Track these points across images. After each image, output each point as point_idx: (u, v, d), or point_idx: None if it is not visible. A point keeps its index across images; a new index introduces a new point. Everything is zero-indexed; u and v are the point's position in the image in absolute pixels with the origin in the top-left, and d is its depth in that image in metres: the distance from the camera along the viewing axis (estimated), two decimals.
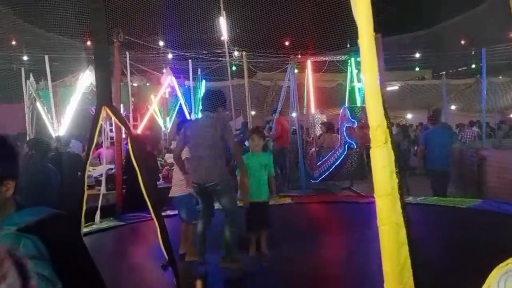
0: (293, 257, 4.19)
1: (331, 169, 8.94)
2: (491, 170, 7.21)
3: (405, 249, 1.65)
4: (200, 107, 9.83)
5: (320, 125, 13.02)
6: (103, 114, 2.53)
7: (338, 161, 8.85)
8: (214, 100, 4.18)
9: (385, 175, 1.59)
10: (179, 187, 4.45)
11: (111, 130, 8.58)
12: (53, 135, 9.80)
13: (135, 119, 10.94)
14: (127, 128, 2.51)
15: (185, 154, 4.16)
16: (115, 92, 6.92)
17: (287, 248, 4.46)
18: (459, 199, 6.20)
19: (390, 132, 1.67)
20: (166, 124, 11.65)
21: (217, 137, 3.86)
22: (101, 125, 2.63)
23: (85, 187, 2.69)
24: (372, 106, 1.61)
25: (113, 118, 2.54)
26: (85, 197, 2.65)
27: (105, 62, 2.68)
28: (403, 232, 1.64)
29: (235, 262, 3.90)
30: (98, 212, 5.16)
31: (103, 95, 2.55)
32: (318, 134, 12.45)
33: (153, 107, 11.13)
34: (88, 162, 2.70)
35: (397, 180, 1.64)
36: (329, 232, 5.27)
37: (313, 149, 10.35)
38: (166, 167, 10.27)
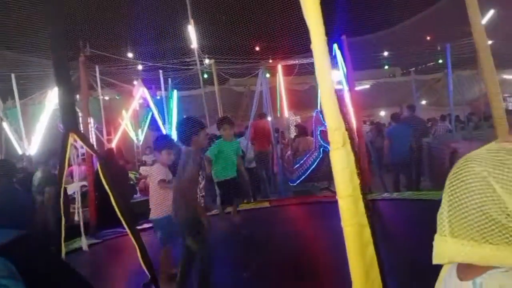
0: (270, 259, 4.18)
1: (308, 172, 8.99)
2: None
3: (371, 248, 1.66)
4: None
5: (294, 127, 13.12)
6: (70, 140, 2.48)
7: (314, 165, 8.90)
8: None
9: (345, 177, 1.60)
10: (158, 208, 4.00)
11: (82, 147, 8.42)
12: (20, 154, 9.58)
13: (108, 133, 10.80)
14: (95, 152, 2.47)
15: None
16: (84, 108, 6.82)
17: (265, 250, 4.45)
18: (432, 192, 6.31)
19: (349, 134, 1.68)
20: (138, 137, 11.52)
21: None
22: (70, 150, 2.54)
23: (62, 212, 2.61)
24: (328, 110, 1.63)
25: (81, 143, 2.48)
26: (63, 222, 2.58)
27: (68, 88, 2.61)
28: (367, 231, 1.66)
29: None
30: (82, 231, 4.98)
31: (69, 121, 2.50)
32: (292, 137, 12.52)
33: (126, 121, 11.00)
34: (62, 189, 2.63)
35: (358, 181, 1.66)
36: (307, 230, 5.28)
37: (289, 153, 10.39)
38: (142, 180, 10.15)
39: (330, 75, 1.64)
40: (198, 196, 3.43)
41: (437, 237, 0.86)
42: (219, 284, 3.64)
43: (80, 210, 5.18)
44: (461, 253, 0.80)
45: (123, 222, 1.96)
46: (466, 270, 0.84)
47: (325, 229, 5.19)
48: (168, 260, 3.76)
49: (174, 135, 10.53)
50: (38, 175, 5.95)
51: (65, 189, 4.06)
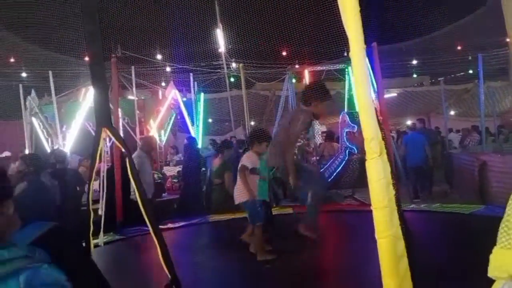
0: (296, 266, 4.15)
1: (332, 176, 8.88)
2: (493, 175, 7.19)
3: (405, 261, 1.63)
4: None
5: (320, 135, 13.03)
6: (103, 135, 2.54)
7: (340, 168, 8.80)
8: None
9: (381, 187, 1.58)
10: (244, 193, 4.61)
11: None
12: (49, 150, 9.83)
13: (141, 132, 11.05)
14: (126, 148, 2.51)
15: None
16: (114, 106, 6.97)
17: (289, 257, 4.42)
18: (462, 205, 6.15)
19: (385, 144, 1.66)
20: (161, 137, 11.68)
21: None
22: (102, 144, 2.63)
23: (90, 207, 2.69)
24: (365, 119, 1.61)
25: (113, 138, 2.54)
26: (91, 216, 2.66)
27: (102, 84, 2.68)
28: (401, 244, 1.63)
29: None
30: (102, 226, 5.11)
31: (102, 116, 2.56)
32: (318, 143, 12.44)
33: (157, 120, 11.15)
34: (92, 183, 2.70)
35: (394, 192, 1.63)
36: (331, 241, 5.22)
37: (314, 158, 10.33)
38: (169, 179, 10.32)
39: (368, 83, 1.62)
40: None
41: (498, 250, 0.83)
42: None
43: (103, 206, 5.27)
44: None
45: (146, 220, 1.99)
46: None
47: (350, 240, 5.14)
48: (258, 236, 4.41)
49: (199, 139, 10.65)
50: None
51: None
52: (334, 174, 8.81)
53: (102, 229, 4.81)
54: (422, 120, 10.61)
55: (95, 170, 2.83)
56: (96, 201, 7.64)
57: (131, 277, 4.24)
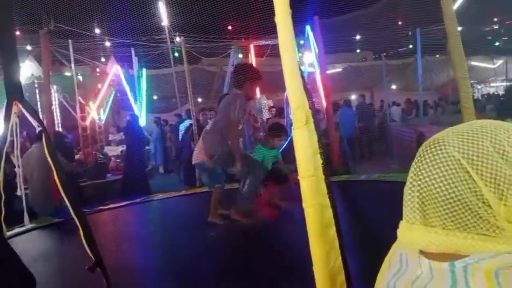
0: (238, 236, 4.16)
1: (280, 151, 8.94)
2: None
3: (332, 230, 1.64)
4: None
5: (267, 110, 13.05)
6: (14, 109, 2.33)
7: (285, 144, 8.89)
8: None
9: (308, 156, 1.56)
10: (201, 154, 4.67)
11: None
12: None
13: (82, 111, 10.52)
14: (40, 122, 2.32)
15: None
16: (45, 82, 6.59)
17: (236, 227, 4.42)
18: (401, 174, 6.41)
19: (312, 113, 1.63)
20: (100, 116, 11.18)
21: None
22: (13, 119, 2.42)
23: (1, 189, 2.49)
24: (291, 87, 1.57)
25: (25, 112, 2.34)
26: (2, 199, 2.46)
27: (11, 53, 2.43)
28: (329, 213, 1.63)
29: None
30: (24, 205, 4.84)
31: (12, 88, 2.33)
32: (265, 119, 12.46)
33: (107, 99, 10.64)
34: (2, 161, 2.49)
35: (321, 161, 1.62)
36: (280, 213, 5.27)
37: (261, 134, 10.36)
38: (112, 159, 9.97)
39: (294, 50, 1.57)
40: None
41: (404, 224, 0.81)
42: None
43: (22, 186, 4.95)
44: (435, 243, 0.74)
45: (66, 200, 1.86)
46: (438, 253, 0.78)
47: (292, 212, 5.20)
48: (214, 197, 4.56)
49: (143, 117, 10.33)
50: None
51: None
52: (280, 150, 8.88)
53: (25, 212, 4.58)
54: (362, 96, 11.54)
55: (4, 152, 2.62)
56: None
57: (66, 260, 4.09)
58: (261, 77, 4.54)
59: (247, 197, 4.33)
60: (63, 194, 1.89)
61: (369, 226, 4.13)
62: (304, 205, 1.57)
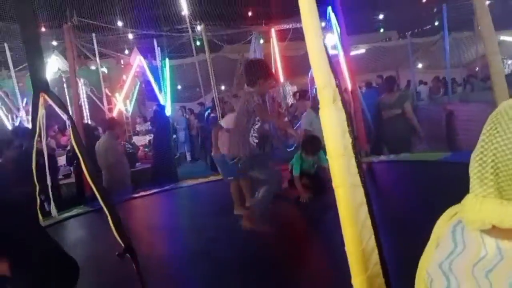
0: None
1: None
2: (459, 123, 7.35)
3: (364, 209, 1.61)
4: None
5: (291, 95, 12.95)
6: (41, 101, 2.39)
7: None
8: None
9: (336, 135, 1.53)
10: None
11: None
12: (10, 127, 9.49)
13: (109, 103, 10.73)
14: (67, 113, 2.36)
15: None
16: (71, 75, 6.74)
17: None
18: (429, 153, 6.30)
19: (339, 91, 1.60)
20: (127, 108, 11.35)
21: None
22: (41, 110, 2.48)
23: (35, 180, 2.57)
24: (316, 65, 1.54)
25: (52, 104, 2.39)
26: (37, 189, 2.54)
27: (35, 46, 2.48)
28: (360, 192, 1.60)
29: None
30: (50, 195, 4.99)
31: (39, 81, 2.38)
32: (289, 104, 12.40)
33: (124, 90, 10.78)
34: (35, 152, 2.56)
35: (350, 140, 1.59)
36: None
37: (286, 119, 10.31)
38: (140, 149, 10.17)
39: (318, 26, 1.54)
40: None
41: (471, 198, 0.73)
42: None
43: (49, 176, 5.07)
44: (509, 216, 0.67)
45: (95, 190, 1.90)
46: (509, 231, 0.70)
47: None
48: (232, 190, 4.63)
49: (168, 106, 10.44)
50: None
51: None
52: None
53: (52, 201, 4.69)
54: (380, 77, 10.81)
55: (36, 142, 2.69)
56: (67, 176, 7.51)
57: (98, 247, 4.21)
58: (273, 75, 4.40)
59: (260, 205, 4.05)
60: (90, 183, 1.93)
61: (400, 207, 4.07)
62: (334, 185, 1.55)
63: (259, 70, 4.14)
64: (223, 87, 16.97)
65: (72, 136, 1.93)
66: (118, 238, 1.89)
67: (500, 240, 0.70)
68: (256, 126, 4.08)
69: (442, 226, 0.85)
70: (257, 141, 4.07)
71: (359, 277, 1.56)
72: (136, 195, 6.26)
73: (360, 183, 1.61)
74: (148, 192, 6.29)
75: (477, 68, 15.57)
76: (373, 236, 1.63)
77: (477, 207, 0.70)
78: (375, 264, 1.64)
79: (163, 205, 6.06)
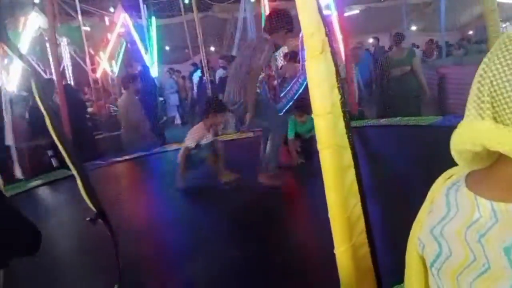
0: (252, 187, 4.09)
1: (294, 98, 8.73)
2: (451, 87, 7.23)
3: (351, 173, 1.47)
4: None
5: (282, 57, 12.64)
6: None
7: (301, 89, 8.63)
8: None
9: (323, 91, 1.36)
10: None
11: None
12: None
13: (92, 63, 10.37)
14: (31, 66, 2.15)
15: None
16: (52, 34, 6.45)
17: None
18: (421, 118, 6.20)
19: (329, 41, 1.42)
20: (113, 68, 10.97)
21: None
22: None
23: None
24: (304, 12, 1.35)
25: (10, 53, 2.17)
26: None
27: None
28: (347, 154, 1.46)
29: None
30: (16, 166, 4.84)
31: None
32: (279, 66, 12.10)
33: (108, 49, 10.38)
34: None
35: (339, 96, 1.43)
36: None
37: (276, 82, 10.08)
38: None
39: None
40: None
41: (466, 123, 0.67)
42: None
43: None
44: (508, 143, 0.61)
45: (61, 148, 1.74)
46: (505, 192, 0.64)
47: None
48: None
49: (155, 68, 10.12)
50: None
51: None
52: (296, 96, 8.65)
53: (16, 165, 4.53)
54: (376, 38, 10.70)
55: None
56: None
57: (72, 214, 4.11)
58: (293, 28, 4.18)
59: (272, 159, 4.01)
60: (56, 142, 1.76)
61: (390, 173, 3.97)
62: (319, 146, 1.40)
63: (283, 20, 3.96)
64: (212, 48, 16.52)
65: (35, 92, 1.73)
66: (89, 202, 1.76)
67: (495, 202, 0.65)
68: (262, 75, 3.99)
69: (436, 190, 0.81)
70: (258, 90, 3.97)
71: (343, 246, 1.45)
72: (119, 159, 6.11)
73: (348, 145, 1.46)
74: (131, 156, 6.14)
75: (471, 32, 15.33)
76: (359, 203, 1.50)
77: (471, 128, 0.66)
78: (361, 233, 1.52)
79: (146, 170, 5.93)
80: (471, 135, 0.66)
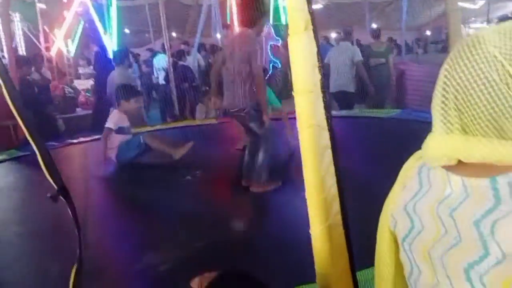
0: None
1: None
2: (409, 83, 7.52)
3: (329, 154, 1.47)
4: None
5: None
6: None
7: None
8: None
9: (305, 69, 1.34)
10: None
11: None
12: None
13: (46, 41, 9.87)
14: None
15: None
16: (5, 9, 6.09)
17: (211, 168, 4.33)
18: (380, 110, 6.41)
19: (312, 20, 1.40)
20: (68, 48, 10.50)
21: None
22: None
23: None
24: None
25: None
26: None
27: None
28: (326, 135, 1.45)
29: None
30: None
31: None
32: None
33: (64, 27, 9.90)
34: None
35: (319, 76, 1.42)
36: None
37: None
38: (82, 94, 9.53)
39: None
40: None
41: (436, 136, 0.69)
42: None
43: None
44: (479, 152, 0.63)
45: (20, 122, 1.64)
46: (476, 168, 0.66)
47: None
48: None
49: (112, 50, 9.77)
50: None
51: None
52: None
53: None
54: (339, 33, 9.99)
55: None
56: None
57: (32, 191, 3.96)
58: (269, 12, 4.02)
59: (265, 169, 3.80)
60: (16, 115, 1.65)
61: (351, 162, 4.05)
62: (299, 126, 1.39)
63: (259, 7, 3.74)
64: (174, 34, 16.18)
65: None
66: (50, 179, 1.66)
67: (466, 177, 0.68)
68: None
69: (408, 169, 0.83)
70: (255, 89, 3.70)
71: (319, 227, 1.44)
72: (75, 141, 5.91)
73: (326, 126, 1.46)
74: (88, 139, 5.95)
75: (428, 32, 15.91)
76: (335, 184, 1.51)
77: (442, 143, 0.68)
78: (336, 214, 1.53)
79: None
80: (444, 151, 0.67)
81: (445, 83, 0.67)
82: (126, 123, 4.56)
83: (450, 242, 0.68)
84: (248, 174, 3.90)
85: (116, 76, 6.30)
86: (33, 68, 7.28)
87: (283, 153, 4.45)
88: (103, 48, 8.43)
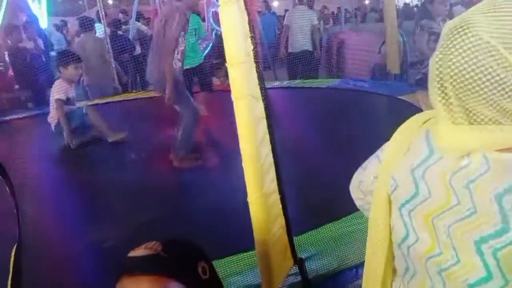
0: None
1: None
2: (348, 51, 7.66)
3: (263, 124, 1.51)
4: None
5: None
6: None
7: (207, 50, 8.51)
8: None
9: (237, 40, 1.35)
10: None
11: None
12: None
13: None
14: None
15: None
16: None
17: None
18: (319, 80, 6.52)
19: None
20: None
21: None
22: None
23: None
24: None
25: None
26: None
27: None
28: (260, 105, 1.49)
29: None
30: None
31: None
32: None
33: None
34: None
35: (252, 46, 1.43)
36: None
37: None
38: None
39: None
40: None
41: (444, 126, 0.68)
42: None
43: None
44: (496, 142, 0.64)
45: None
46: None
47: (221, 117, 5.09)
48: None
49: (43, 19, 9.09)
50: None
51: None
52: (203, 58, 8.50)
53: None
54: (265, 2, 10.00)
55: None
56: None
57: None
58: None
59: (186, 142, 3.69)
60: None
61: (291, 132, 4.14)
62: (233, 96, 1.40)
63: None
64: (110, 1, 15.38)
65: None
66: None
67: (487, 151, 0.66)
68: (181, 48, 3.52)
69: (411, 133, 0.80)
70: (180, 64, 3.55)
71: (255, 194, 1.49)
72: (7, 118, 5.57)
73: (260, 96, 1.49)
74: (19, 116, 5.63)
75: (367, 1, 16.22)
76: (271, 152, 1.56)
77: (453, 136, 0.68)
78: (272, 180, 1.58)
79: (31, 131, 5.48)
80: (457, 145, 0.67)
81: (441, 72, 0.66)
82: (71, 94, 4.31)
83: (462, 213, 0.66)
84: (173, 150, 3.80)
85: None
86: None
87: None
88: (32, 17, 7.83)
